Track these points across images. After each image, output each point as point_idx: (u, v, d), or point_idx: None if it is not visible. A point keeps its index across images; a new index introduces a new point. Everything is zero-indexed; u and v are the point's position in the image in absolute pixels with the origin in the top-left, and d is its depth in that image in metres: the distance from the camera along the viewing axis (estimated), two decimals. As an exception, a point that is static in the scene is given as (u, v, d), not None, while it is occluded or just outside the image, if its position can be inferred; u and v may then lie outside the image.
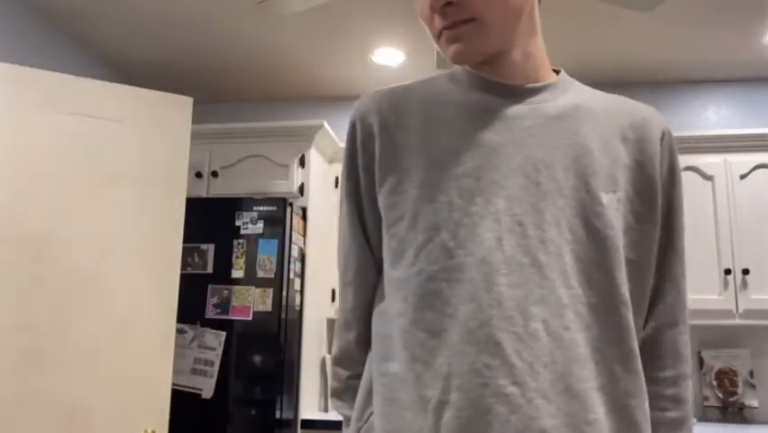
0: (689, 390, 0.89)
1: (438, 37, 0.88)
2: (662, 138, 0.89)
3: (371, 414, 0.88)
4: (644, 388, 0.82)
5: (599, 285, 0.81)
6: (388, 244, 0.89)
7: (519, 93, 0.89)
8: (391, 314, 0.86)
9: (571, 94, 0.91)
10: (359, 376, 0.95)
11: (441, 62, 2.33)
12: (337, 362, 0.99)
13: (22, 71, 1.99)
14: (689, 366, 0.89)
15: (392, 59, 3.20)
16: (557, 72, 0.95)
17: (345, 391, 0.98)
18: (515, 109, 0.87)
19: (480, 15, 0.83)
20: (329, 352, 3.24)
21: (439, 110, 0.89)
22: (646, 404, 0.82)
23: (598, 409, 0.77)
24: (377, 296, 0.93)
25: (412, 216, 0.85)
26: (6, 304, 1.85)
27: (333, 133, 3.17)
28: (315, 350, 3.06)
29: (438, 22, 0.85)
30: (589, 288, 0.80)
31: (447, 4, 0.83)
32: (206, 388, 2.58)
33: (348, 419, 0.95)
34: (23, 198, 1.92)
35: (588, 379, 0.78)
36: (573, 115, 0.87)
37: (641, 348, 0.86)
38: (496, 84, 0.89)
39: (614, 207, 0.82)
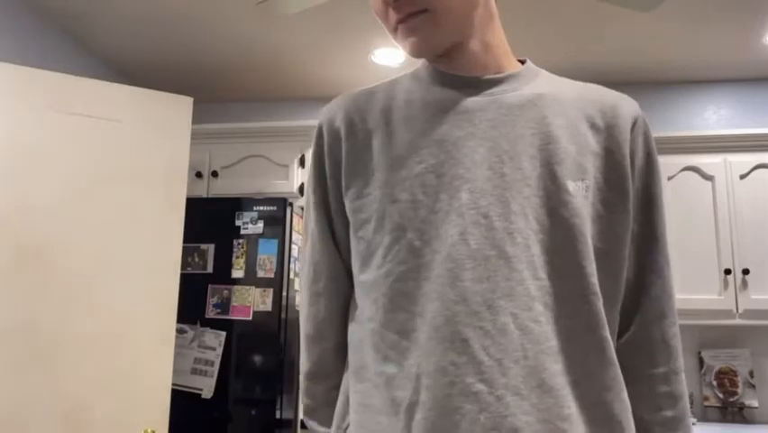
0: (683, 385, 0.86)
1: (394, 32, 0.86)
2: (633, 125, 0.86)
3: (349, 424, 0.86)
4: (621, 378, 0.81)
5: (567, 275, 0.79)
6: (356, 248, 0.87)
7: (480, 85, 0.87)
8: (362, 319, 0.85)
9: (535, 83, 0.88)
10: (336, 388, 0.92)
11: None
12: (312, 376, 0.95)
13: (22, 71, 1.99)
14: (680, 360, 0.87)
15: (392, 59, 3.20)
16: (523, 62, 0.93)
17: (320, 407, 0.94)
18: (476, 101, 0.85)
19: (432, 6, 0.82)
20: (329, 352, 3.23)
21: (401, 109, 0.88)
22: (624, 394, 0.81)
23: (572, 404, 0.76)
24: (350, 306, 0.91)
25: (378, 218, 0.83)
26: (6, 304, 1.85)
27: (333, 133, 3.17)
28: (315, 350, 3.05)
29: (392, 15, 0.84)
30: (557, 278, 0.78)
31: None
32: (206, 388, 2.58)
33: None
34: (23, 198, 1.92)
35: (561, 373, 0.76)
36: (537, 103, 0.85)
37: (629, 345, 0.85)
38: (455, 77, 0.88)
39: (581, 196, 0.80)
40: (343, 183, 0.89)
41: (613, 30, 2.87)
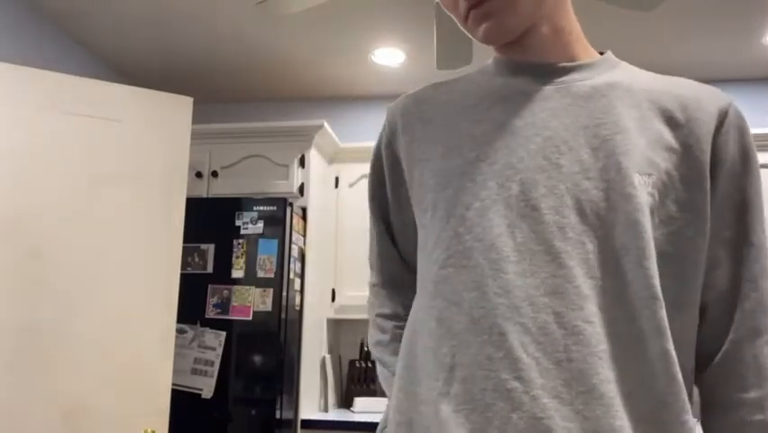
0: None
1: (465, 20, 0.83)
2: (720, 119, 0.78)
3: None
4: (685, 400, 0.73)
5: (627, 275, 0.72)
6: (419, 237, 0.87)
7: (548, 72, 0.83)
8: (415, 309, 0.85)
9: (610, 74, 0.83)
10: (389, 316, 0.97)
11: (441, 62, 2.33)
12: (368, 302, 1.02)
13: (22, 71, 1.99)
14: None
15: (392, 59, 3.20)
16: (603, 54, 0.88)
17: (374, 328, 0.98)
18: (540, 90, 0.82)
19: None
20: (329, 352, 3.24)
21: (462, 100, 0.87)
22: (687, 417, 0.72)
23: (624, 416, 0.69)
24: None
25: (432, 206, 0.83)
26: (6, 304, 1.85)
27: (333, 133, 3.17)
28: (315, 350, 3.06)
29: (462, 3, 0.81)
30: (615, 278, 0.72)
31: None
32: (206, 388, 2.58)
33: (381, 363, 0.95)
34: (23, 198, 1.92)
35: (614, 380, 0.70)
36: (606, 94, 0.80)
37: (718, 368, 0.78)
38: (522, 65, 0.85)
39: (646, 192, 0.74)
40: (405, 175, 0.90)
41: (613, 31, 2.87)
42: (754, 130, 2.95)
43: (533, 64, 0.84)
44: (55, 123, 1.99)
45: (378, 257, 0.99)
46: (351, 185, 3.24)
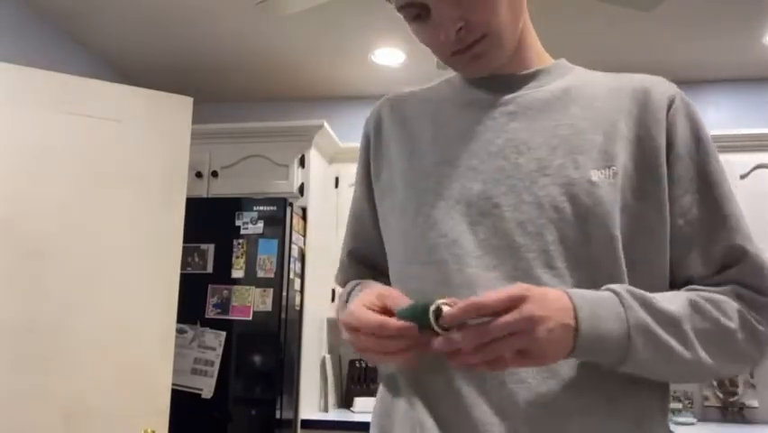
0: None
1: (447, 60, 0.88)
2: (669, 106, 0.83)
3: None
4: (643, 386, 0.77)
5: (588, 265, 0.77)
6: (384, 234, 0.94)
7: (508, 82, 0.88)
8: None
9: (565, 78, 0.89)
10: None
11: (441, 63, 2.33)
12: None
13: (22, 71, 1.99)
14: None
15: (392, 59, 3.21)
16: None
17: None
18: (500, 97, 0.87)
19: (490, 30, 0.82)
20: (329, 352, 3.24)
21: (429, 107, 0.93)
22: (642, 397, 0.77)
23: (579, 395, 0.74)
24: None
25: (400, 206, 0.88)
26: (6, 304, 1.85)
27: (333, 133, 3.17)
28: (315, 350, 3.06)
29: (448, 46, 0.85)
30: (576, 268, 0.77)
31: (458, 30, 0.82)
32: (206, 388, 2.58)
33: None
34: (23, 198, 1.92)
35: (572, 365, 0.75)
36: (562, 97, 0.86)
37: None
38: (485, 77, 0.89)
39: (608, 183, 0.78)
40: (372, 172, 0.97)
41: (612, 30, 2.87)
42: (754, 130, 2.96)
43: (494, 76, 0.89)
44: (55, 123, 1.99)
45: (352, 208, 1.06)
46: (351, 185, 3.21)
